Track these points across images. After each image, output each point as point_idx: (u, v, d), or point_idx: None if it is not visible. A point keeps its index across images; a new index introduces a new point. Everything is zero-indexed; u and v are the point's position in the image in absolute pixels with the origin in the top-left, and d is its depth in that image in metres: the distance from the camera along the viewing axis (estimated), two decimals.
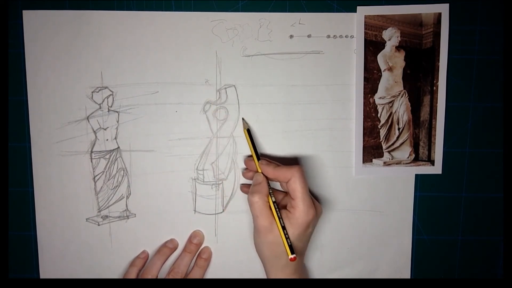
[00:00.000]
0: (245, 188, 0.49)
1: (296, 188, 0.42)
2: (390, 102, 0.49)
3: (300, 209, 0.42)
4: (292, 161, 0.50)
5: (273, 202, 0.44)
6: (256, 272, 0.51)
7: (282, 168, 0.44)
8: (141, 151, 0.50)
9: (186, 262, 0.49)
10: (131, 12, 0.48)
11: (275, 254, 0.43)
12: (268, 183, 0.45)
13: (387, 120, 0.49)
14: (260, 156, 0.47)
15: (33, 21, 0.47)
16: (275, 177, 0.45)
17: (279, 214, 0.43)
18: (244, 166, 0.50)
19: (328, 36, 0.48)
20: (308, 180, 0.50)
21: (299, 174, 0.43)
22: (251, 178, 0.47)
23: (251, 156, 0.47)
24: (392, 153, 0.50)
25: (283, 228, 0.42)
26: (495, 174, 0.51)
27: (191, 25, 0.48)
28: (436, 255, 0.52)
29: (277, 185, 0.48)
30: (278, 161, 0.50)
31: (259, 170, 0.46)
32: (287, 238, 0.42)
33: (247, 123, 0.48)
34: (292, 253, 0.42)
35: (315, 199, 0.45)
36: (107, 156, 0.50)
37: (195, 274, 0.50)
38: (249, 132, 0.48)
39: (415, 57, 0.48)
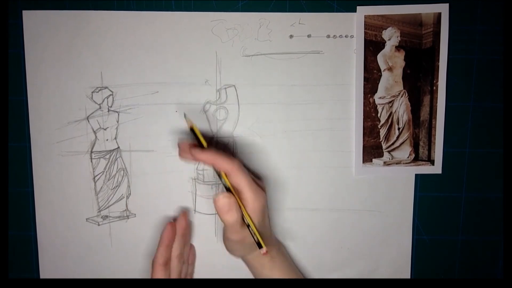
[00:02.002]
0: (185, 153, 0.44)
1: (240, 181, 0.41)
2: (390, 102, 0.49)
3: (251, 197, 0.41)
4: (291, 162, 0.50)
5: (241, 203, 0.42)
6: None
7: (219, 159, 0.41)
8: (141, 151, 0.50)
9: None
10: (131, 12, 0.48)
11: (249, 244, 0.43)
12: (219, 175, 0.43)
13: (387, 120, 0.49)
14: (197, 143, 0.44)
15: (33, 21, 0.47)
16: (212, 164, 0.42)
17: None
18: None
19: (328, 36, 0.48)
20: (307, 180, 0.50)
21: (237, 168, 0.41)
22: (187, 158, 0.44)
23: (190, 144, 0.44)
24: (392, 153, 0.50)
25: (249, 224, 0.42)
26: (495, 174, 0.51)
27: (191, 25, 0.48)
28: (436, 255, 0.52)
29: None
30: (278, 161, 0.50)
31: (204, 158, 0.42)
32: (254, 234, 0.42)
33: (190, 120, 0.44)
34: (260, 247, 0.42)
35: (256, 176, 0.45)
36: (107, 156, 0.50)
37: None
38: (192, 129, 0.44)
39: (415, 57, 0.48)
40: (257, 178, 0.45)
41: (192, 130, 0.44)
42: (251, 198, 0.41)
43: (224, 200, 0.40)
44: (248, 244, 0.43)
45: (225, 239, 0.45)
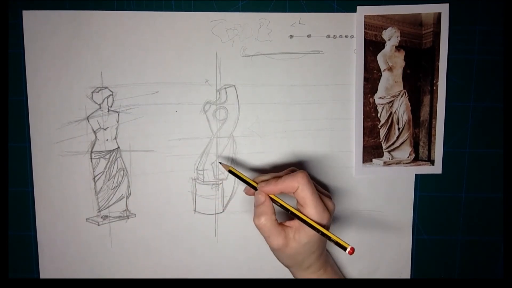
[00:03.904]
0: (251, 190, 0.44)
1: (306, 195, 0.39)
2: (390, 102, 0.49)
3: (314, 216, 0.39)
4: (291, 162, 0.50)
5: (296, 211, 0.40)
6: (256, 272, 0.51)
7: (285, 180, 0.40)
8: (141, 151, 0.50)
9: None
10: (131, 12, 0.48)
11: (296, 262, 0.42)
12: (271, 198, 0.41)
13: (387, 120, 0.49)
14: (254, 179, 0.43)
15: (33, 21, 0.47)
16: (280, 192, 0.41)
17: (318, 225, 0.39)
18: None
19: (328, 36, 0.48)
20: None
21: (305, 181, 0.39)
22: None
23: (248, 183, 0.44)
24: (392, 153, 0.50)
25: (325, 233, 0.39)
26: (495, 174, 0.51)
27: (191, 25, 0.48)
28: (436, 255, 0.52)
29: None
30: (278, 161, 0.50)
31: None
32: (330, 238, 0.39)
33: (226, 165, 0.45)
34: (345, 249, 0.38)
35: (324, 194, 0.42)
36: (107, 156, 0.50)
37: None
38: (231, 171, 0.44)
39: (415, 57, 0.48)
40: (325, 194, 0.43)
41: (232, 173, 0.44)
42: (314, 217, 0.39)
43: (258, 197, 0.41)
44: (292, 255, 0.41)
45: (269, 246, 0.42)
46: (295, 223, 0.41)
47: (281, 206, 0.41)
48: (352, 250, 0.38)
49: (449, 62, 0.49)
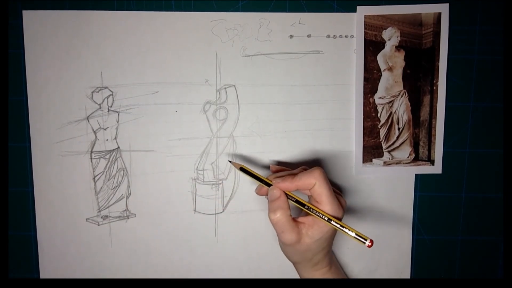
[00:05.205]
0: (263, 189, 0.44)
1: (322, 192, 0.39)
2: (390, 102, 0.49)
3: (330, 213, 0.40)
4: (291, 162, 0.50)
5: (308, 207, 0.41)
6: (256, 271, 0.51)
7: (302, 177, 0.40)
8: (141, 151, 0.50)
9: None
10: (131, 12, 0.48)
11: (305, 258, 0.42)
12: (285, 193, 0.41)
13: (387, 120, 0.49)
14: (268, 177, 0.43)
15: (33, 21, 0.47)
16: (296, 189, 0.41)
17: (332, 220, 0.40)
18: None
19: (328, 36, 0.48)
20: None
21: (322, 177, 0.39)
22: (267, 194, 0.43)
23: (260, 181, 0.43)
24: (392, 153, 0.50)
25: (341, 226, 0.40)
26: (495, 174, 0.51)
27: (191, 25, 0.48)
28: (436, 255, 0.52)
29: None
30: (278, 161, 0.50)
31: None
32: (349, 230, 0.40)
33: (237, 163, 0.45)
34: (364, 241, 0.39)
35: (336, 191, 0.43)
36: (107, 156, 0.50)
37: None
38: (243, 169, 0.44)
39: (415, 57, 0.48)
40: (336, 191, 0.43)
41: (244, 171, 0.43)
42: (330, 213, 0.40)
43: (273, 192, 0.41)
44: (303, 252, 0.41)
45: (279, 242, 0.43)
46: (308, 219, 0.41)
47: (296, 201, 0.41)
48: (372, 243, 0.39)
49: (449, 62, 0.49)
